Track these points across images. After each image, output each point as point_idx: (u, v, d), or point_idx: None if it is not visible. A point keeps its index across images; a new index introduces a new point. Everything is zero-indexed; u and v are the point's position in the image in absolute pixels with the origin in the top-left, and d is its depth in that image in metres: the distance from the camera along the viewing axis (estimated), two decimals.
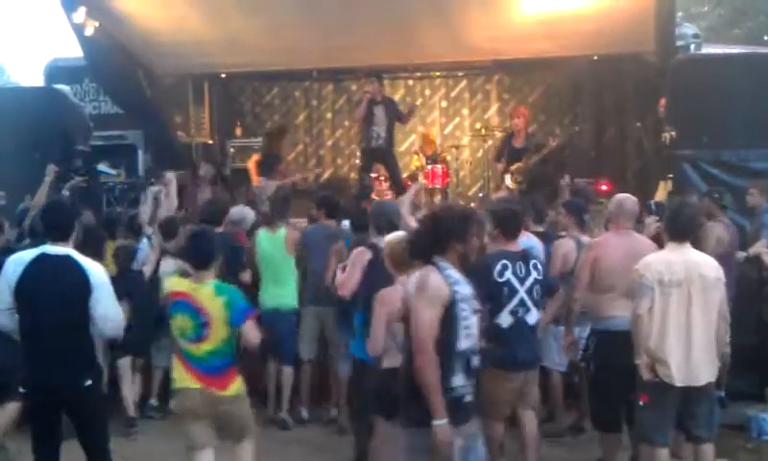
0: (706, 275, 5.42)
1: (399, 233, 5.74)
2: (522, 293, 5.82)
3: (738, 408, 7.67)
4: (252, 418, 5.38)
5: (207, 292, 5.07)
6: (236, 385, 5.17)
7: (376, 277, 5.81)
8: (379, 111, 11.17)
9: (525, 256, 5.97)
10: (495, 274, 5.80)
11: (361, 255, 6.28)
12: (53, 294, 5.09)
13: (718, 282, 5.47)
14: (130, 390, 7.84)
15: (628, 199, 6.33)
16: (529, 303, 5.84)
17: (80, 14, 9.48)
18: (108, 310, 5.18)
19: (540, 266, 5.98)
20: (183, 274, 5.51)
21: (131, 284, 7.51)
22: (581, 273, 6.27)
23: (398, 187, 10.72)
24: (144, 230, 8.44)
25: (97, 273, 5.19)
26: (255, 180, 11.19)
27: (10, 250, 6.34)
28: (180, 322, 5.11)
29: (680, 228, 5.53)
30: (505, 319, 5.79)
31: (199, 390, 5.09)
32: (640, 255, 5.62)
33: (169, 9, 9.98)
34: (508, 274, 5.82)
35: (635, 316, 5.44)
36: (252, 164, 11.49)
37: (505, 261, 5.85)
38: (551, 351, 7.15)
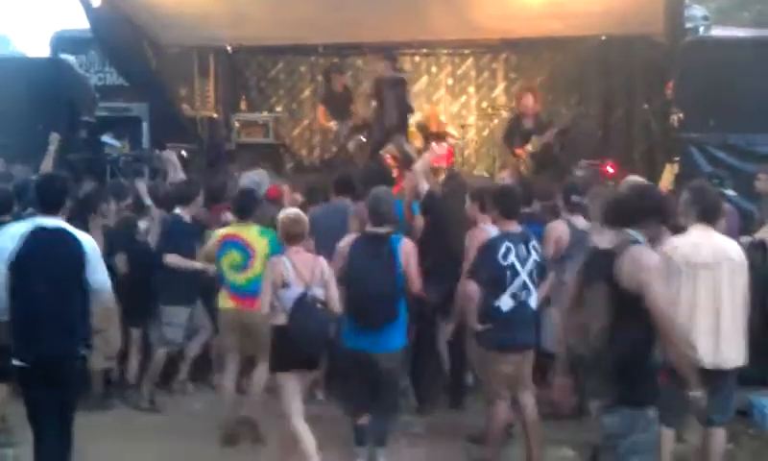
0: (733, 258, 5.41)
1: (293, 209, 6.19)
2: (524, 275, 5.83)
3: (742, 394, 7.65)
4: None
5: (253, 232, 6.79)
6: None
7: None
8: (389, 93, 11.16)
9: (526, 237, 5.96)
10: (500, 256, 5.80)
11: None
12: (51, 265, 5.19)
13: (743, 267, 5.46)
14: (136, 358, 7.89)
15: (637, 182, 6.30)
16: (530, 285, 5.86)
17: None
18: (103, 280, 5.36)
19: (537, 247, 6.00)
20: None
21: (135, 252, 7.67)
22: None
23: (409, 166, 10.64)
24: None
25: (89, 244, 5.34)
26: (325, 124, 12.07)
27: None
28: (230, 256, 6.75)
29: (707, 210, 5.49)
30: (506, 302, 5.82)
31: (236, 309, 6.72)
32: None
33: None
34: (512, 257, 5.83)
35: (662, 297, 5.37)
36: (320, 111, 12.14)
37: (509, 243, 5.85)
38: (548, 333, 7.14)
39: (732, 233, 7.77)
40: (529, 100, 11.06)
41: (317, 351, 5.77)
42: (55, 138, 8.38)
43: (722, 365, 5.35)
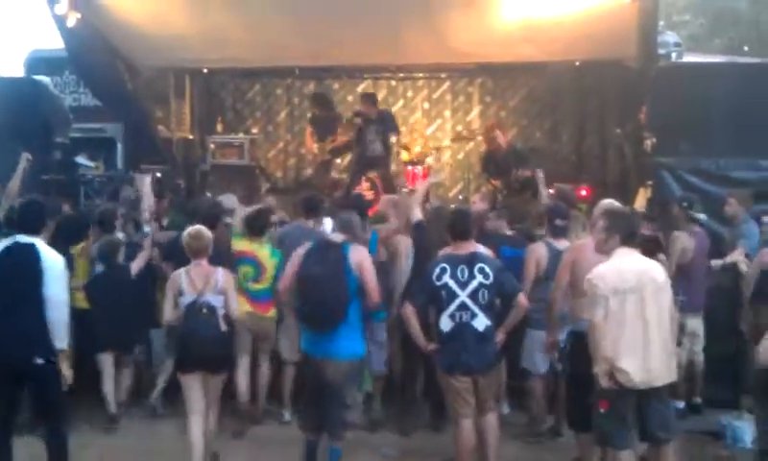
0: (656, 278, 5.54)
1: (195, 227, 6.53)
2: (464, 297, 5.93)
3: (714, 416, 7.75)
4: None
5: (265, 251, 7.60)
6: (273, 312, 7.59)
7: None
8: (371, 130, 11.41)
9: (471, 260, 6.02)
10: (434, 277, 5.96)
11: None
12: (14, 276, 5.86)
13: (666, 285, 5.60)
14: (110, 386, 7.77)
15: (612, 205, 6.36)
16: (473, 307, 5.94)
17: (62, 6, 9.44)
18: (55, 293, 5.85)
19: (488, 270, 6.01)
20: None
21: (114, 278, 7.72)
22: (559, 275, 6.31)
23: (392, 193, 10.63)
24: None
25: (51, 259, 5.93)
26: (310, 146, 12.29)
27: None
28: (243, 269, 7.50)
29: (629, 234, 5.65)
30: (446, 323, 5.96)
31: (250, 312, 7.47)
32: None
33: (151, 1, 9.94)
34: (446, 277, 5.94)
35: (591, 325, 5.49)
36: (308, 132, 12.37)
37: (444, 265, 6.01)
38: (531, 353, 7.18)
39: (703, 256, 7.93)
40: (498, 136, 11.13)
41: (205, 352, 6.20)
42: (24, 158, 8.32)
43: (652, 383, 5.43)
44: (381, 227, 7.96)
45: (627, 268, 5.49)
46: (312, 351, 6.17)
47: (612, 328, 5.39)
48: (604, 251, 5.64)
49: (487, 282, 5.96)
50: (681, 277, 7.33)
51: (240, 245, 7.71)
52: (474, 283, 5.94)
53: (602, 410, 5.49)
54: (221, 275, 6.40)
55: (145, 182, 8.77)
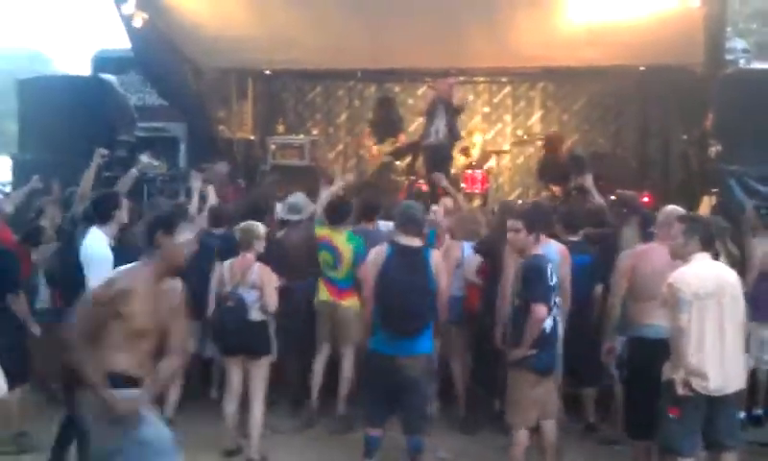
0: (733, 284, 5.49)
1: (248, 221, 7.01)
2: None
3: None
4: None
5: (342, 238, 7.58)
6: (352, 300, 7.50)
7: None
8: (440, 109, 10.97)
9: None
10: (548, 276, 5.89)
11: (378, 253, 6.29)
12: None
13: (740, 291, 5.55)
14: None
15: (676, 210, 6.26)
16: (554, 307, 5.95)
17: (129, 6, 9.64)
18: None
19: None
20: None
21: None
22: (619, 281, 6.23)
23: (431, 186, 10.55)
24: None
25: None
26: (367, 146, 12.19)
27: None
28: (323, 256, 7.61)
29: (708, 239, 5.54)
30: (549, 323, 5.87)
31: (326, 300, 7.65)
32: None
33: (216, 4, 10.10)
34: (555, 277, 5.95)
35: (677, 330, 5.38)
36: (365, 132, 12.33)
37: (551, 264, 5.99)
38: None
39: None
40: (562, 145, 11.03)
41: (233, 339, 6.71)
42: (98, 153, 8.44)
43: (726, 391, 5.37)
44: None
45: (706, 273, 5.42)
46: (389, 351, 6.02)
47: (694, 334, 5.32)
48: (680, 256, 5.52)
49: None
50: (758, 285, 7.22)
51: (321, 232, 7.76)
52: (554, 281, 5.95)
53: (672, 416, 5.40)
54: (257, 270, 6.77)
55: (197, 180, 8.82)
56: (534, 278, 5.84)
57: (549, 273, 5.88)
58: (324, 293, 7.68)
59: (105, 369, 4.30)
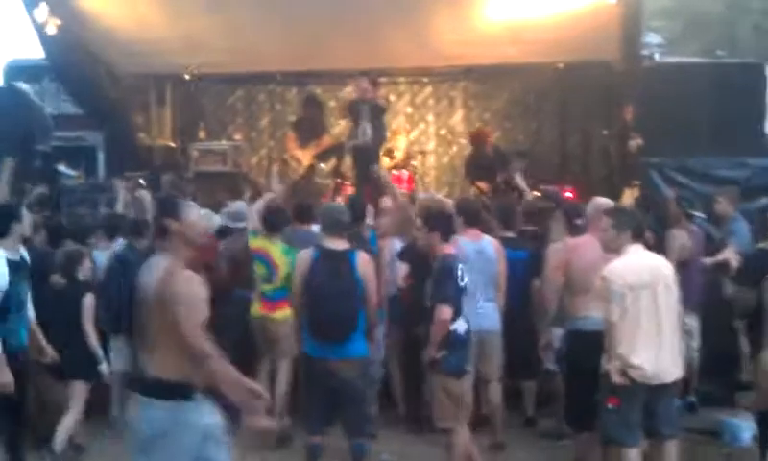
0: (666, 274, 5.59)
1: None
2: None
3: (709, 413, 7.76)
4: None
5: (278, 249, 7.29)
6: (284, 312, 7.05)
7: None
8: (364, 110, 10.52)
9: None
10: (458, 278, 5.82)
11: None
12: None
13: (675, 282, 5.64)
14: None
15: (606, 203, 6.35)
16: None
17: (42, 12, 9.42)
18: None
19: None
20: None
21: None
22: (553, 274, 6.28)
23: (364, 185, 10.36)
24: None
25: None
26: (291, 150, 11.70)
27: None
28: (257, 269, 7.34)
29: (638, 230, 5.63)
30: (461, 324, 5.83)
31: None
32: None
33: (132, 7, 9.92)
34: (466, 278, 5.89)
35: (608, 322, 5.47)
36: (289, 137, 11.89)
37: (460, 264, 5.91)
38: None
39: (699, 254, 7.94)
40: (488, 140, 11.12)
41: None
42: (8, 164, 8.18)
43: (663, 380, 5.47)
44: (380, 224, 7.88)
45: (640, 264, 5.50)
46: (320, 354, 5.97)
47: (627, 325, 5.39)
48: (613, 249, 5.60)
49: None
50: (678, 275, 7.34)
51: (255, 243, 7.51)
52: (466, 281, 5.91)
53: (611, 407, 5.46)
54: None
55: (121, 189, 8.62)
56: (441, 279, 5.79)
57: (459, 274, 5.81)
58: (256, 308, 7.46)
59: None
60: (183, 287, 4.04)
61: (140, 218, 8.15)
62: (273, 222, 7.45)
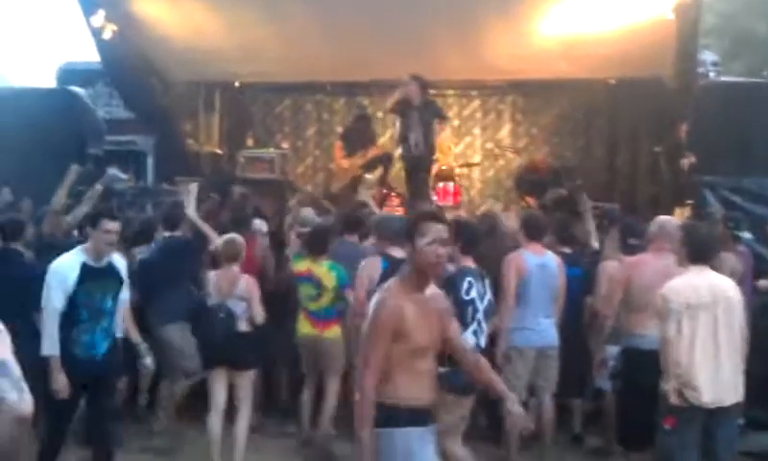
0: (731, 296, 5.46)
1: (229, 235, 7.02)
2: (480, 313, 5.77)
3: (757, 437, 7.62)
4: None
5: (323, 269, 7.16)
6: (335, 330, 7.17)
7: None
8: (415, 118, 10.37)
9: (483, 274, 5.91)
10: (462, 292, 5.69)
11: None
12: None
13: (740, 303, 5.52)
14: None
15: (669, 222, 6.30)
16: (484, 324, 5.80)
17: (98, 18, 9.54)
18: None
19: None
20: None
21: None
22: (613, 292, 6.22)
23: (417, 199, 10.39)
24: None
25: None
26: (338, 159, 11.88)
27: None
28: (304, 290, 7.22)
29: (700, 250, 5.52)
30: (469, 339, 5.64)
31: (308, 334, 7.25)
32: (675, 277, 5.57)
33: (187, 15, 10.03)
34: (473, 292, 5.74)
35: (664, 340, 5.40)
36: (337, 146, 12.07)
37: (470, 278, 5.76)
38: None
39: (747, 275, 7.80)
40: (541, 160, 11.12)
41: (222, 350, 6.58)
42: (74, 170, 8.24)
43: (721, 403, 5.35)
44: None
45: (701, 283, 5.41)
46: None
47: (684, 345, 5.31)
48: (685, 265, 5.53)
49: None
50: None
51: (300, 266, 7.35)
52: (487, 299, 5.83)
53: (668, 427, 5.39)
54: (244, 282, 6.73)
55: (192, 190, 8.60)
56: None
57: (465, 286, 5.69)
58: (305, 326, 7.32)
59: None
60: None
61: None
62: (317, 245, 7.32)
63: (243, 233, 7.41)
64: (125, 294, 6.11)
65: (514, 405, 4.07)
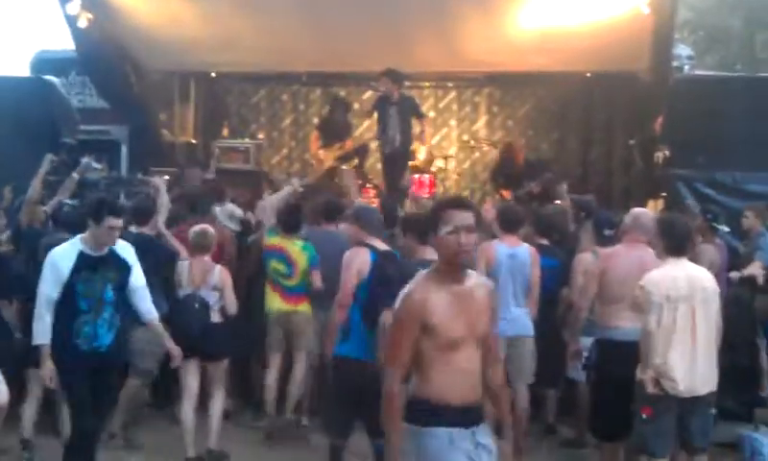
0: (706, 287, 5.55)
1: (201, 225, 7.06)
2: None
3: (728, 427, 7.70)
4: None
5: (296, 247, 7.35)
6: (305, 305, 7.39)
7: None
8: (393, 113, 10.55)
9: None
10: None
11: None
12: None
13: (716, 294, 5.61)
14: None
15: (644, 214, 6.34)
16: None
17: (74, 5, 9.45)
18: None
19: None
20: None
21: None
22: (588, 284, 6.25)
23: (394, 192, 10.44)
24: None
25: None
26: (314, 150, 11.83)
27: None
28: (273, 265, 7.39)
29: (678, 243, 5.59)
30: None
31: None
32: (651, 269, 5.62)
33: (163, 4, 10.01)
34: None
35: (645, 332, 5.46)
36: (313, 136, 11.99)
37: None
38: None
39: (722, 268, 7.89)
40: (517, 153, 11.18)
41: (196, 341, 6.52)
42: (48, 159, 8.17)
43: (697, 392, 5.45)
44: None
45: (679, 275, 5.47)
46: (355, 355, 5.94)
47: (663, 336, 5.38)
48: (663, 257, 5.59)
49: None
50: None
51: (272, 241, 7.55)
52: None
53: (644, 416, 5.46)
54: (217, 272, 6.79)
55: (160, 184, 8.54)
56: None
57: None
58: (276, 301, 7.47)
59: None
60: None
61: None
62: (291, 222, 7.51)
63: (199, 220, 7.49)
64: (138, 280, 5.88)
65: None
